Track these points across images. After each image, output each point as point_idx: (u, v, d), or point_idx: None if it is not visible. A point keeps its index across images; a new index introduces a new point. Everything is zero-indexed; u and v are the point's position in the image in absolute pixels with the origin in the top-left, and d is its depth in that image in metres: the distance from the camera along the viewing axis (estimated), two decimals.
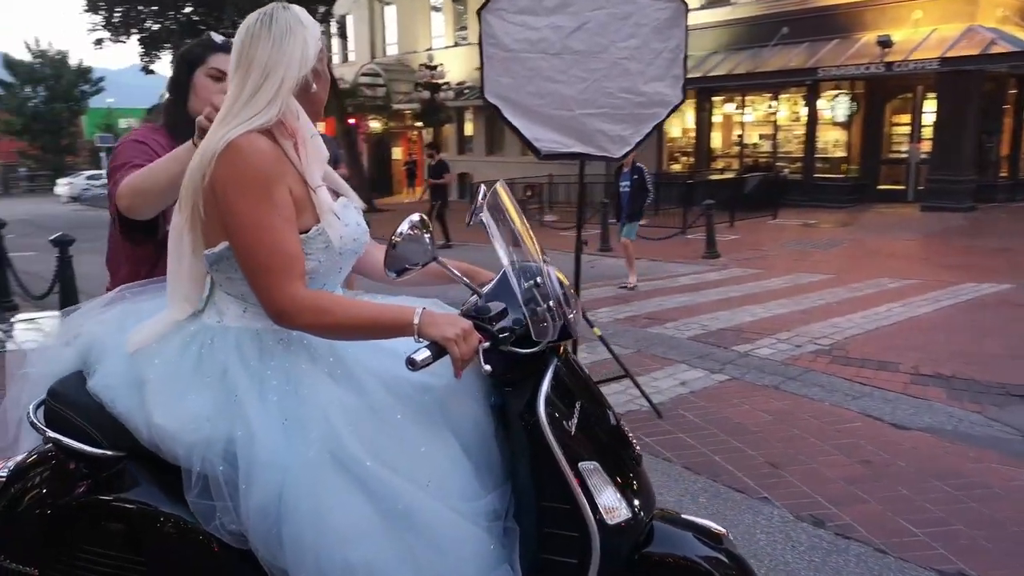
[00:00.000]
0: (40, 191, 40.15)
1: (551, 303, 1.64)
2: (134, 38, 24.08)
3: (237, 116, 1.55)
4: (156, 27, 24.16)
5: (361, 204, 1.83)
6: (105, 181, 2.39)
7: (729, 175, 19.05)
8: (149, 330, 1.67)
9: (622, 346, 5.99)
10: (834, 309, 7.31)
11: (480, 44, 4.25)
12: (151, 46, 24.65)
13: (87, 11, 22.16)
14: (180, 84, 2.27)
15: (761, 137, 20.19)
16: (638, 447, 1.84)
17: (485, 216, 1.64)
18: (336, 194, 1.78)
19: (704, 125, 20.57)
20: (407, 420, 1.62)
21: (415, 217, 1.43)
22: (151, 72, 25.43)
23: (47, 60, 41.98)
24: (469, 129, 27.63)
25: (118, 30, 23.75)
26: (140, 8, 22.88)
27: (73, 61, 42.88)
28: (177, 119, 2.23)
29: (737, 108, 20.17)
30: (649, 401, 4.48)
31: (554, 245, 12.68)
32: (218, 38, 2.32)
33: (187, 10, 23.75)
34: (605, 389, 4.90)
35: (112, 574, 1.62)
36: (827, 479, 3.65)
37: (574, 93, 4.25)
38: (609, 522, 1.62)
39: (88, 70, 43.43)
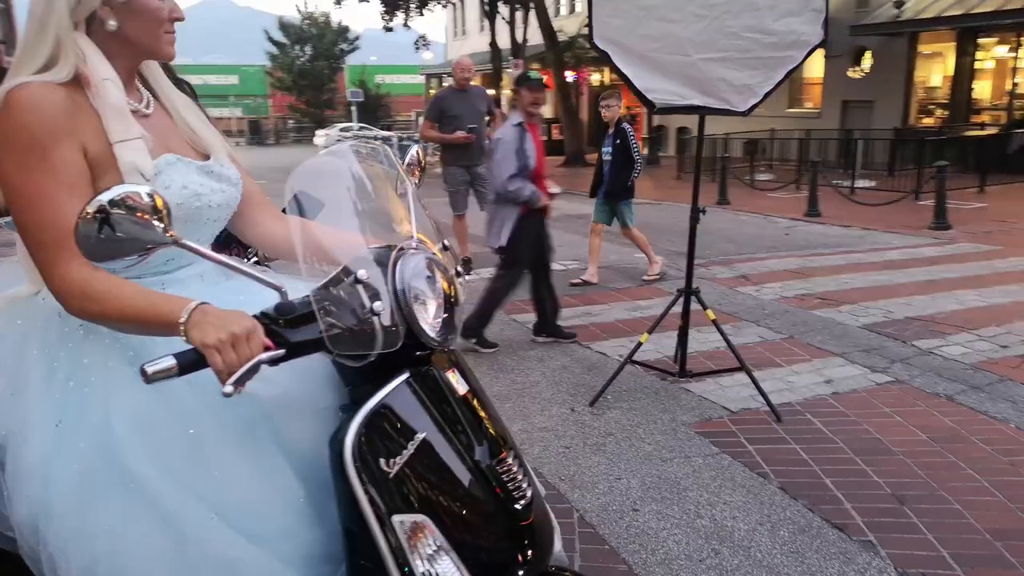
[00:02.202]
0: (304, 141, 44.56)
1: (375, 305, 1.27)
2: None
3: (18, 69, 1.35)
4: None
5: (225, 160, 1.56)
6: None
7: (991, 131, 16.18)
8: None
9: (772, 329, 5.24)
10: None
11: None
12: (391, 5, 26.08)
13: None
14: None
15: None
16: (528, 491, 1.41)
17: (292, 188, 1.30)
18: (203, 156, 1.54)
19: (965, 72, 17.59)
20: (213, 433, 1.35)
21: (139, 191, 1.11)
22: (390, 30, 27.00)
23: (313, 21, 46.18)
24: None
25: None
26: None
27: (339, 23, 46.92)
28: None
29: (1011, 51, 17.00)
30: (766, 399, 3.81)
31: (755, 208, 11.49)
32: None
33: None
34: (725, 380, 4.29)
35: None
36: (967, 528, 2.84)
37: (691, 35, 3.61)
38: None
39: (346, 29, 47.16)
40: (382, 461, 1.27)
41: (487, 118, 7.24)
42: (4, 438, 1.34)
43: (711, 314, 3.96)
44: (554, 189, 5.01)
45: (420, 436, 1.32)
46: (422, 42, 26.22)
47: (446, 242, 1.55)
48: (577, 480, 3.22)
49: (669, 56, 3.68)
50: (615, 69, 3.82)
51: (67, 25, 1.33)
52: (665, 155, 22.95)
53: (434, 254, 1.46)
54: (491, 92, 27.60)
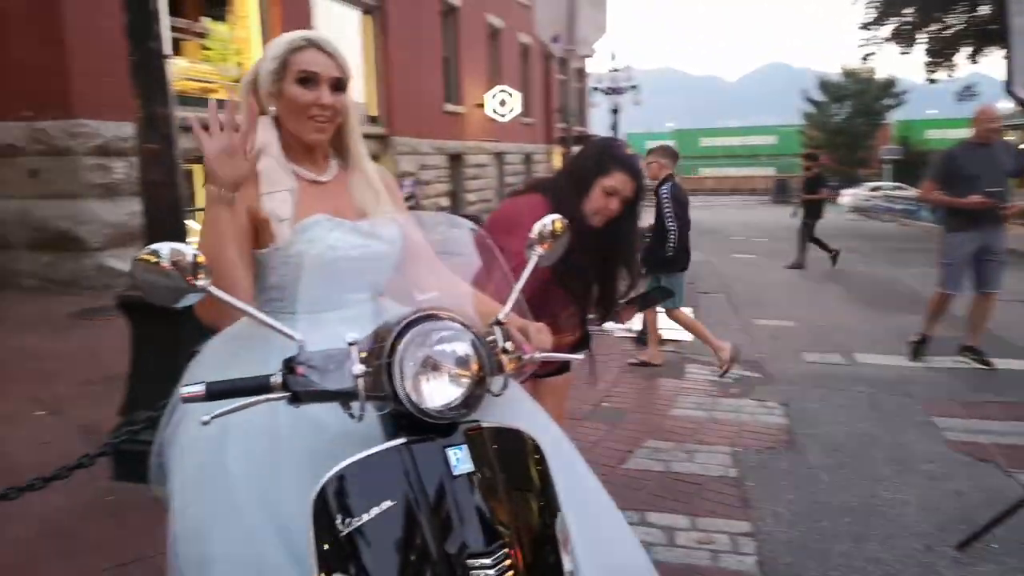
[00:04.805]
0: (831, 201, 43.12)
1: (354, 369, 1.33)
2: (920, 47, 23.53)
3: None
4: (944, 33, 23.10)
5: (383, 221, 1.80)
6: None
7: None
8: None
9: None
10: None
11: (1002, 20, 3.00)
12: (937, 54, 23.67)
13: (863, 27, 22.67)
14: (582, 181, 2.38)
15: None
16: None
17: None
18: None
19: None
20: (285, 458, 1.59)
21: (184, 250, 1.36)
22: (933, 82, 24.49)
23: (854, 78, 44.41)
24: None
25: (904, 40, 23.51)
26: (920, 14, 22.15)
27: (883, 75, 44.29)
28: (563, 205, 2.20)
29: None
30: None
31: None
32: (625, 154, 2.39)
33: (982, 9, 21.80)
34: None
35: None
36: None
37: None
38: None
39: (892, 83, 44.14)
40: (339, 518, 1.31)
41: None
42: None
43: None
44: None
45: (387, 504, 1.32)
46: (966, 93, 22.94)
47: (501, 317, 1.50)
48: None
49: None
50: None
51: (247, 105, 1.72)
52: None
53: (470, 327, 1.43)
54: None
